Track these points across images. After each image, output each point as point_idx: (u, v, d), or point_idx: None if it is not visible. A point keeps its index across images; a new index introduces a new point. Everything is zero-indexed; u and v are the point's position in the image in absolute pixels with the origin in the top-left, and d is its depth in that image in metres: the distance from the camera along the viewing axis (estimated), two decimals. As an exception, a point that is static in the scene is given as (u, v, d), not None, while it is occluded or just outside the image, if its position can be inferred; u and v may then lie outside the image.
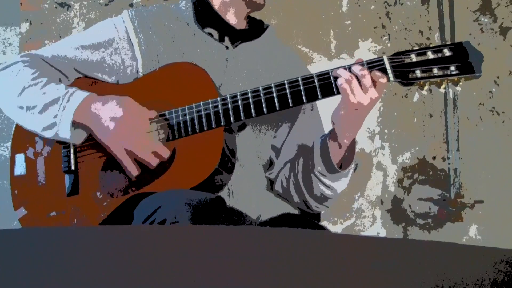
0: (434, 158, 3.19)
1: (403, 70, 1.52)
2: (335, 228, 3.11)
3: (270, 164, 1.78)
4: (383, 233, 3.14)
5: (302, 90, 1.56)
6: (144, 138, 1.58)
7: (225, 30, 1.74)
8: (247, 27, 1.80)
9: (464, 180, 3.15)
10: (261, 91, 1.58)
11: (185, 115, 1.60)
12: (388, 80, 1.52)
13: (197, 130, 1.59)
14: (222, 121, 1.58)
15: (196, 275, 0.93)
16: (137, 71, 1.68)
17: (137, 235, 1.02)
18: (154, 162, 1.57)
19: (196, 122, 1.59)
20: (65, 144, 1.65)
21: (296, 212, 1.76)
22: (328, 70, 1.56)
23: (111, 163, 1.62)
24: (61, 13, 2.95)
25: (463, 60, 1.51)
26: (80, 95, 1.58)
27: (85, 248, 0.97)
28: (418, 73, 1.52)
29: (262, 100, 1.58)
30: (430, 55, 1.53)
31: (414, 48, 1.54)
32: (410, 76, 1.52)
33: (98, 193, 1.62)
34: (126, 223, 1.54)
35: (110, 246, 0.97)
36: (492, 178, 3.14)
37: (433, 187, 3.18)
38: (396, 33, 3.19)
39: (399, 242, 1.25)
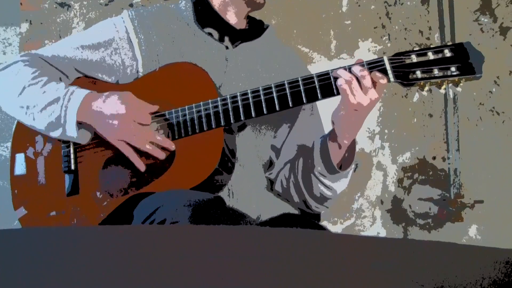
0: (434, 158, 3.19)
1: (404, 71, 1.52)
2: (335, 228, 3.10)
3: (270, 164, 1.78)
4: (383, 233, 3.14)
5: (302, 90, 1.56)
6: (148, 132, 1.58)
7: (225, 30, 1.74)
8: (247, 27, 1.79)
9: (464, 180, 3.15)
10: (261, 92, 1.58)
11: (185, 115, 1.60)
12: (389, 80, 1.52)
13: (197, 130, 1.59)
14: (222, 121, 1.58)
15: (196, 275, 0.93)
16: (137, 71, 1.68)
17: (137, 235, 1.02)
18: (161, 155, 1.58)
19: (196, 122, 1.59)
20: (67, 144, 1.65)
21: (296, 212, 1.76)
22: (328, 70, 1.56)
23: (111, 163, 1.62)
24: (61, 13, 2.95)
25: (464, 61, 1.51)
26: (80, 93, 1.59)
27: (85, 248, 0.97)
28: (418, 73, 1.52)
29: (262, 101, 1.58)
30: (431, 55, 1.52)
31: (415, 49, 1.54)
32: (410, 76, 1.52)
33: (98, 193, 1.62)
34: (126, 223, 1.54)
35: (110, 246, 0.97)
36: (492, 178, 3.14)
37: (433, 187, 3.18)
38: (396, 33, 3.19)
39: (399, 242, 1.25)
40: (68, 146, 1.65)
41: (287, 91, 1.57)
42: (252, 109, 1.58)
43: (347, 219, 3.14)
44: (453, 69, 1.51)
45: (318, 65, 3.07)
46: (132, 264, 0.94)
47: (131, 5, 2.98)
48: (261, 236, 1.02)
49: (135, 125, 1.57)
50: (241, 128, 1.68)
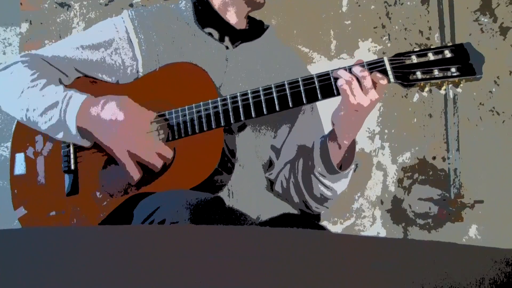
0: (434, 158, 3.19)
1: (404, 72, 1.52)
2: (335, 228, 3.11)
3: (270, 164, 1.78)
4: (383, 233, 3.14)
5: (302, 91, 1.56)
6: (147, 140, 1.57)
7: (225, 30, 1.74)
8: (247, 27, 1.79)
9: (464, 180, 3.16)
10: (261, 92, 1.58)
11: (185, 115, 1.60)
12: (389, 81, 1.52)
13: (197, 131, 1.59)
14: (222, 121, 1.58)
15: (196, 275, 0.93)
16: (137, 71, 1.68)
17: (137, 235, 1.02)
18: (158, 163, 1.56)
19: (196, 122, 1.59)
20: (67, 143, 1.65)
21: (296, 212, 1.76)
22: (328, 71, 1.56)
23: (111, 163, 1.62)
24: (61, 13, 2.95)
25: (464, 62, 1.51)
26: (78, 98, 1.58)
27: (85, 248, 0.97)
28: (418, 74, 1.52)
29: (262, 101, 1.58)
30: (431, 56, 1.53)
31: (415, 49, 1.54)
32: (410, 77, 1.52)
33: (98, 193, 1.62)
34: (126, 223, 1.54)
35: (110, 246, 0.97)
36: (492, 178, 3.15)
37: (433, 187, 3.18)
38: (396, 33, 3.19)
39: (399, 242, 1.25)
40: (68, 146, 1.65)
41: (287, 91, 1.57)
42: (252, 109, 1.58)
43: (347, 219, 3.14)
44: (453, 70, 1.51)
45: (318, 65, 3.07)
46: (132, 264, 0.94)
47: (131, 5, 2.98)
48: (261, 236, 1.02)
49: (133, 132, 1.56)
50: (241, 128, 1.68)
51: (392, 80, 1.52)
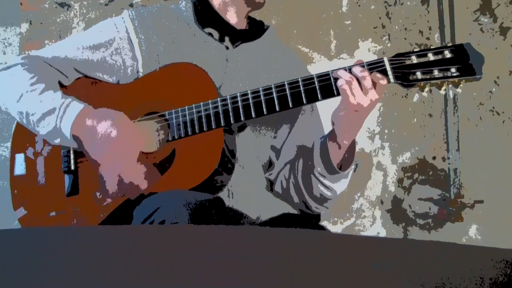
0: (434, 158, 3.19)
1: (404, 72, 1.52)
2: (335, 228, 3.10)
3: (269, 164, 1.78)
4: (383, 233, 3.14)
5: (302, 91, 1.56)
6: (135, 167, 1.54)
7: (225, 30, 1.74)
8: (247, 28, 1.79)
9: (464, 180, 3.15)
10: (261, 92, 1.58)
11: (185, 115, 1.60)
12: (389, 81, 1.52)
13: (197, 131, 1.59)
14: (222, 121, 1.58)
15: (196, 275, 0.93)
16: (137, 71, 1.68)
17: (137, 235, 1.02)
18: (133, 194, 1.54)
19: (196, 122, 1.59)
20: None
21: (296, 212, 1.76)
22: (328, 71, 1.56)
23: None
24: (61, 13, 2.95)
25: (464, 62, 1.51)
26: (76, 107, 1.57)
27: (85, 248, 0.97)
28: (418, 74, 1.52)
29: (262, 101, 1.58)
30: (431, 56, 1.53)
31: (415, 50, 1.54)
32: (410, 77, 1.52)
33: (98, 193, 1.61)
34: (126, 224, 1.54)
35: (110, 246, 0.97)
36: (492, 178, 3.15)
37: (433, 187, 3.18)
38: (396, 33, 3.19)
39: (399, 242, 1.25)
40: (68, 147, 1.65)
41: (287, 91, 1.57)
42: (252, 109, 1.58)
43: (347, 219, 3.14)
44: (453, 70, 1.51)
45: (318, 65, 3.07)
46: (132, 264, 0.94)
47: (131, 5, 2.98)
48: (261, 236, 1.02)
49: (123, 155, 1.53)
50: (241, 128, 1.68)
51: (392, 80, 1.52)
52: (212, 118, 1.59)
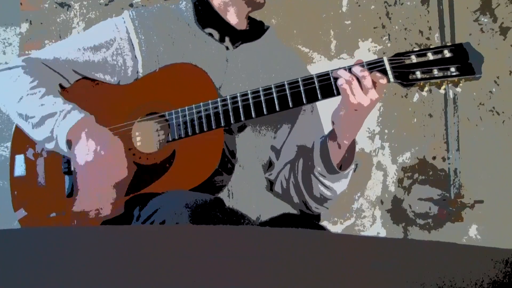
0: (434, 158, 3.19)
1: (403, 71, 1.53)
2: (335, 228, 3.10)
3: (269, 165, 1.78)
4: (383, 233, 3.14)
5: (302, 91, 1.56)
6: (110, 191, 1.55)
7: (225, 31, 1.74)
8: (247, 28, 1.79)
9: (464, 180, 3.15)
10: (261, 92, 1.58)
11: (185, 116, 1.60)
12: (388, 81, 1.52)
13: (197, 131, 1.59)
14: (222, 122, 1.58)
15: (196, 275, 0.93)
16: (137, 72, 1.68)
17: (137, 235, 1.02)
18: (93, 213, 1.54)
19: (196, 123, 1.59)
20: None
21: (296, 212, 1.76)
22: (328, 71, 1.56)
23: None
24: (61, 13, 2.95)
25: (463, 61, 1.51)
26: (77, 115, 1.57)
27: (85, 248, 0.97)
28: (418, 74, 1.52)
29: (262, 101, 1.58)
30: (430, 56, 1.53)
31: (414, 49, 1.55)
32: (410, 77, 1.52)
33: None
34: (126, 224, 1.54)
35: (110, 246, 0.97)
36: (492, 178, 3.14)
37: (433, 187, 3.18)
38: (396, 33, 3.19)
39: (399, 242, 1.25)
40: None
41: (287, 91, 1.57)
42: (252, 109, 1.58)
43: (347, 219, 3.14)
44: (452, 69, 1.51)
45: (318, 65, 3.07)
46: (132, 264, 0.94)
47: (131, 5, 2.98)
48: (261, 236, 1.02)
49: (102, 174, 1.54)
50: (241, 128, 1.68)
51: (391, 79, 1.53)
52: (212, 118, 1.59)
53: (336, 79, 1.54)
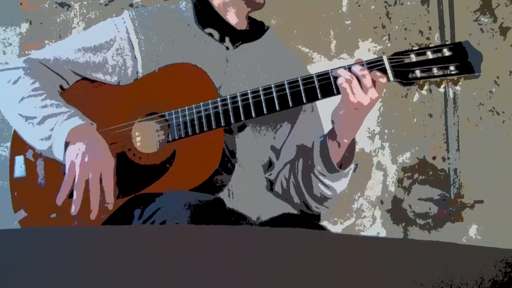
0: (434, 158, 3.19)
1: (403, 70, 1.53)
2: (335, 228, 3.10)
3: (269, 165, 1.78)
4: (383, 233, 3.14)
5: (302, 90, 1.56)
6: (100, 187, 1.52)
7: (225, 31, 1.74)
8: (247, 28, 1.79)
9: (464, 180, 3.15)
10: (261, 92, 1.58)
11: (185, 116, 1.60)
12: (388, 80, 1.53)
13: (197, 131, 1.59)
14: (222, 121, 1.58)
15: (196, 275, 0.93)
16: (137, 72, 1.68)
17: (137, 235, 1.02)
18: (75, 207, 1.51)
19: (196, 123, 1.59)
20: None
21: (296, 212, 1.76)
22: (328, 70, 1.56)
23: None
24: (61, 13, 2.95)
25: (463, 60, 1.51)
26: (79, 120, 1.56)
27: (85, 248, 0.97)
28: (417, 73, 1.52)
29: (262, 101, 1.58)
30: (430, 55, 1.53)
31: (414, 48, 1.55)
32: (409, 76, 1.52)
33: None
34: (126, 224, 1.54)
35: (110, 246, 0.97)
36: (492, 178, 3.14)
37: (433, 187, 3.18)
38: (396, 33, 3.19)
39: (399, 242, 1.25)
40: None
41: (287, 91, 1.57)
42: (252, 109, 1.58)
43: (347, 219, 3.14)
44: (452, 68, 1.51)
45: (318, 65, 3.07)
46: (133, 264, 0.94)
47: (131, 5, 2.98)
48: (261, 236, 1.02)
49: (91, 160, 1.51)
50: (241, 128, 1.68)
51: (391, 78, 1.53)
52: (212, 118, 1.59)
53: (336, 78, 1.54)
